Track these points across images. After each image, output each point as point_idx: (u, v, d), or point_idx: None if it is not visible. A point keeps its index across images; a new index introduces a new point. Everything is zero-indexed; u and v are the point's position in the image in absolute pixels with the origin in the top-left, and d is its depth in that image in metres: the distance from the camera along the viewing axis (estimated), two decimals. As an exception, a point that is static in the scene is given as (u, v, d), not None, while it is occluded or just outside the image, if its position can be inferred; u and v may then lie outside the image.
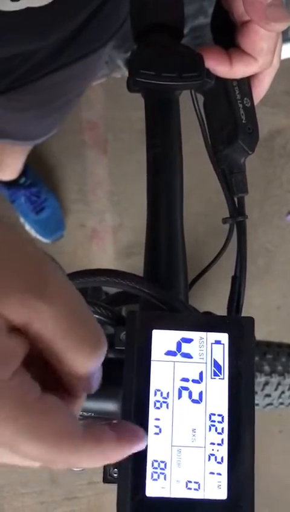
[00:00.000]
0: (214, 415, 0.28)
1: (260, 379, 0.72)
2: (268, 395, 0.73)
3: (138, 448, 0.23)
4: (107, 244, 1.36)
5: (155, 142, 0.35)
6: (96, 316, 0.34)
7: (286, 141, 1.48)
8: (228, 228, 0.39)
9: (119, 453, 0.23)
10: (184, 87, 0.35)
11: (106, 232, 1.37)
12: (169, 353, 0.29)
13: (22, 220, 1.31)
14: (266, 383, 0.72)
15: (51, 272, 0.21)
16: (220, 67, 0.35)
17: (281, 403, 0.76)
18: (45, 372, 0.23)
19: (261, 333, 1.35)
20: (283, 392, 0.74)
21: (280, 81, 1.53)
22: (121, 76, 1.28)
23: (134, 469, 0.28)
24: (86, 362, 0.22)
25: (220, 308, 0.38)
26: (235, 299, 0.38)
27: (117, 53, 1.15)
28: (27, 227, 1.31)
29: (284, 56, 1.31)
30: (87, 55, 0.61)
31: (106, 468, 0.33)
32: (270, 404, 0.75)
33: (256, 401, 0.74)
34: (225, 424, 0.28)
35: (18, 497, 1.26)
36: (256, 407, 0.74)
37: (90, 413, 0.34)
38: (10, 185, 1.24)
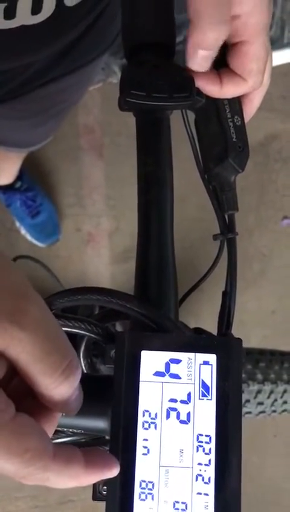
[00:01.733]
0: (202, 435, 0.28)
1: (253, 387, 0.72)
2: (261, 403, 0.73)
3: (107, 476, 0.25)
4: (103, 248, 1.36)
5: (146, 161, 0.36)
6: (87, 333, 0.35)
7: (282, 146, 1.48)
8: (219, 245, 0.39)
9: (87, 478, 0.25)
10: (175, 107, 0.35)
11: (101, 236, 1.37)
12: (157, 374, 0.29)
13: (17, 224, 1.31)
14: (259, 391, 0.73)
15: (31, 300, 0.23)
16: (210, 87, 0.35)
17: (274, 411, 0.76)
18: (22, 390, 0.24)
19: (256, 337, 1.36)
20: (275, 400, 0.75)
21: (276, 86, 1.53)
22: (117, 82, 1.28)
23: (122, 489, 0.28)
24: (59, 386, 0.24)
25: (212, 314, 0.38)
26: (226, 314, 0.39)
27: (113, 59, 1.15)
28: (23, 231, 1.31)
29: (280, 62, 1.32)
30: (81, 66, 0.61)
31: (95, 486, 0.33)
32: (263, 412, 0.75)
33: (249, 409, 0.75)
34: (213, 445, 0.28)
35: (12, 502, 1.26)
36: (249, 416, 0.74)
37: (80, 430, 0.34)
38: (6, 189, 1.24)
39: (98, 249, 1.37)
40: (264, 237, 1.44)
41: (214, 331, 0.39)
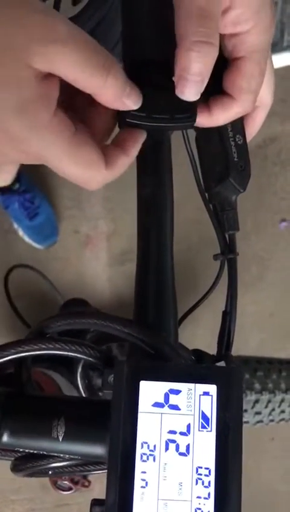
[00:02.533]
0: (201, 468, 0.28)
1: (251, 397, 0.72)
2: (258, 413, 0.73)
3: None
4: (101, 251, 1.36)
5: (145, 182, 0.35)
6: (84, 357, 0.34)
7: (280, 149, 1.47)
8: (219, 265, 0.39)
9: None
10: (176, 128, 0.34)
11: (99, 238, 1.36)
12: (156, 405, 0.29)
13: (15, 225, 1.30)
14: (257, 401, 0.72)
15: (57, 20, 0.27)
16: (199, 117, 0.34)
17: (271, 420, 0.76)
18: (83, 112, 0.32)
19: (254, 340, 1.35)
20: (273, 409, 0.75)
21: (276, 89, 1.52)
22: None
23: (120, 523, 0.27)
24: (106, 82, 0.29)
25: (211, 327, 0.37)
26: (226, 334, 0.38)
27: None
28: (20, 233, 1.30)
29: (279, 65, 1.31)
30: None
31: (93, 509, 0.33)
32: (261, 421, 0.75)
33: (246, 419, 0.74)
34: (212, 478, 0.28)
35: (9, 504, 1.26)
36: (246, 425, 0.74)
37: (77, 457, 0.34)
38: (4, 190, 1.23)
39: (96, 251, 1.36)
40: (263, 240, 1.43)
41: (213, 341, 0.38)
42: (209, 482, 0.28)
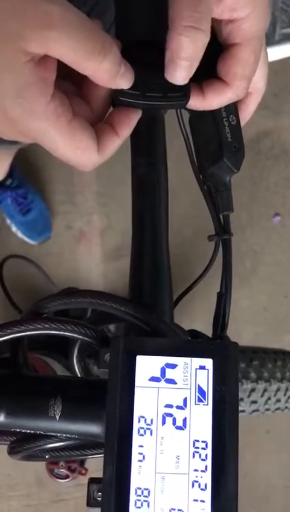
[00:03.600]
0: (198, 441, 0.28)
1: (247, 386, 0.72)
2: (254, 402, 0.73)
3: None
4: (94, 246, 1.36)
5: (140, 161, 0.35)
6: (80, 337, 0.34)
7: (273, 143, 1.48)
8: (214, 245, 0.39)
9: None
10: (169, 107, 0.34)
11: (93, 233, 1.36)
12: (153, 379, 0.29)
13: (8, 221, 1.30)
14: (253, 390, 0.73)
15: (55, 5, 0.27)
16: (192, 100, 0.34)
17: (267, 409, 0.76)
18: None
19: (248, 334, 1.36)
20: (269, 399, 0.75)
21: (268, 83, 1.53)
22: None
23: (117, 496, 0.27)
24: (102, 64, 0.29)
25: (206, 311, 0.37)
26: (221, 316, 0.38)
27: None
28: (13, 228, 1.30)
29: (271, 59, 1.31)
30: None
31: (90, 491, 0.33)
32: (257, 410, 0.75)
33: (242, 408, 0.75)
34: (209, 451, 0.28)
35: (5, 500, 1.25)
36: (242, 414, 0.74)
37: (73, 436, 0.34)
38: (-4, 186, 1.22)
39: (90, 246, 1.36)
40: (256, 234, 1.44)
41: (208, 330, 0.39)
42: (206, 455, 0.28)
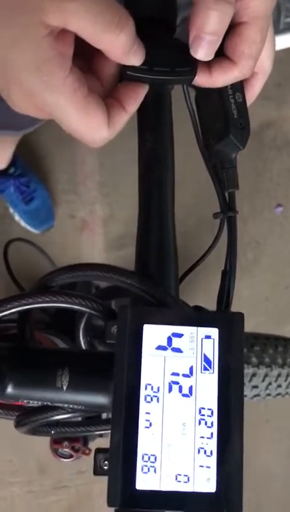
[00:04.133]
0: (204, 409, 0.28)
1: (248, 370, 0.73)
2: (255, 387, 0.74)
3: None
4: (97, 236, 1.36)
5: (147, 137, 0.35)
6: (87, 310, 0.35)
7: (276, 134, 1.48)
8: (219, 223, 0.39)
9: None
10: (176, 82, 0.35)
11: (96, 223, 1.36)
12: (160, 348, 0.29)
13: (11, 210, 1.30)
14: (254, 375, 0.73)
15: None
16: (199, 76, 0.34)
17: (268, 394, 0.77)
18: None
19: (249, 324, 1.36)
20: (270, 384, 0.75)
21: (271, 74, 1.53)
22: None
23: (124, 462, 0.28)
24: (118, 37, 0.29)
25: (210, 304, 0.38)
26: (225, 293, 0.39)
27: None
28: (16, 217, 1.30)
29: (276, 48, 1.30)
30: None
31: (97, 461, 0.33)
32: (258, 395, 0.76)
33: (244, 393, 0.75)
34: (215, 418, 0.28)
35: (7, 487, 1.26)
36: (243, 398, 0.75)
37: (80, 406, 0.34)
38: (-1, 174, 1.23)
39: (92, 236, 1.36)
40: (259, 225, 1.44)
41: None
42: (212, 423, 0.28)
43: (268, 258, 1.43)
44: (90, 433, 0.43)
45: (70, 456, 0.56)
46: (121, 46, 0.29)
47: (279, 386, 0.77)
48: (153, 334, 0.29)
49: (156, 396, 0.29)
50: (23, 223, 1.29)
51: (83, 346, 0.38)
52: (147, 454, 0.28)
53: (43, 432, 0.40)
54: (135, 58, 0.31)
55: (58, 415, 0.36)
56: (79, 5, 0.27)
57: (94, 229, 1.37)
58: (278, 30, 1.24)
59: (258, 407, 1.32)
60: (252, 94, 0.39)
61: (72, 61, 0.29)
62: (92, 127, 0.31)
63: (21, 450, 1.23)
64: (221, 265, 0.39)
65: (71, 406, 0.34)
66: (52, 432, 0.40)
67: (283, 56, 1.31)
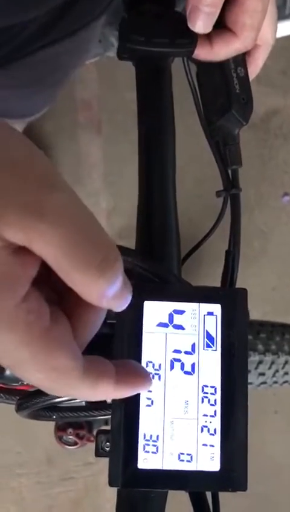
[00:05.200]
0: (207, 386, 0.28)
1: (254, 358, 0.72)
2: (262, 374, 0.73)
3: (138, 391, 0.24)
4: (103, 227, 1.35)
5: (147, 115, 0.35)
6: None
7: (282, 121, 1.46)
8: (222, 202, 0.38)
9: (116, 394, 0.23)
10: (176, 54, 0.34)
11: (100, 215, 1.35)
12: (161, 325, 0.28)
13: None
14: (260, 362, 0.72)
15: (54, 188, 0.21)
16: (199, 49, 0.33)
17: (275, 382, 0.76)
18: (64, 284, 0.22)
19: (256, 314, 1.36)
20: (276, 371, 0.74)
21: (277, 61, 1.50)
22: (114, 55, 1.26)
23: (126, 441, 0.27)
24: (96, 283, 0.21)
25: (213, 282, 0.37)
26: (229, 273, 0.38)
27: (110, 30, 1.13)
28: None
29: (280, 34, 1.29)
30: (79, 29, 0.59)
31: (98, 442, 0.33)
32: (264, 383, 0.75)
33: (250, 380, 0.74)
34: (218, 396, 0.28)
35: (15, 478, 1.27)
36: (250, 386, 0.74)
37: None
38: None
39: (98, 227, 1.35)
40: (265, 214, 1.43)
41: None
42: (215, 400, 0.28)
43: (275, 247, 1.42)
44: (94, 418, 0.42)
45: (75, 443, 0.56)
46: (97, 291, 0.21)
47: (286, 373, 0.76)
48: (153, 310, 0.29)
49: (157, 374, 0.28)
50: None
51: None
52: (149, 433, 0.27)
53: (45, 417, 0.39)
54: (117, 304, 0.23)
55: (58, 397, 0.35)
56: (51, 227, 0.20)
57: (99, 221, 1.36)
58: (283, 15, 1.22)
59: (266, 398, 1.31)
60: (254, 68, 0.38)
61: (34, 286, 0.21)
62: (55, 373, 0.22)
63: (28, 441, 1.23)
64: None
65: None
66: (54, 416, 0.40)
67: (288, 43, 1.30)
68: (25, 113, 0.80)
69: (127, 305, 0.23)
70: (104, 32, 1.14)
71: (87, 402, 0.43)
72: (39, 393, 0.36)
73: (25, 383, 0.35)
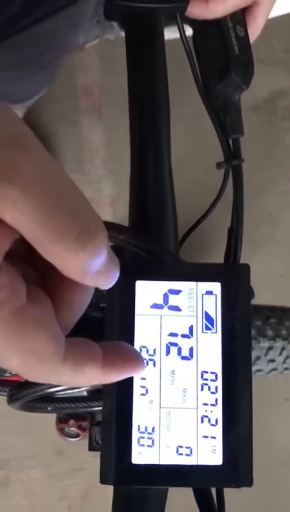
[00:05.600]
0: (207, 372, 0.25)
1: (264, 344, 0.69)
2: (272, 360, 0.70)
3: (130, 375, 0.21)
4: (106, 215, 1.32)
5: (138, 79, 0.32)
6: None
7: (289, 103, 1.42)
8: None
9: (104, 379, 0.21)
10: (167, 10, 0.31)
11: (104, 202, 1.33)
12: (155, 306, 0.26)
13: (17, 191, 1.27)
14: (270, 348, 0.70)
15: (26, 150, 0.19)
16: (194, 7, 0.30)
17: (286, 368, 0.73)
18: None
19: (265, 301, 1.32)
20: (287, 357, 0.72)
21: (280, 39, 1.46)
22: (114, 38, 1.22)
23: (118, 434, 0.25)
24: (76, 256, 0.19)
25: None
26: (232, 252, 0.35)
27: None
28: (23, 199, 1.27)
29: (284, 11, 1.25)
30: (67, 5, 0.56)
31: (92, 435, 0.30)
32: (275, 369, 0.72)
33: (260, 367, 0.72)
34: (219, 383, 0.25)
35: (25, 470, 1.26)
36: (260, 373, 0.72)
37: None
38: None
39: (101, 215, 1.33)
40: (272, 198, 1.39)
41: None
42: (216, 388, 0.25)
43: (283, 232, 1.38)
44: (93, 409, 0.40)
45: (77, 435, 0.54)
46: (78, 266, 0.19)
47: (297, 359, 0.73)
48: (147, 291, 0.26)
49: (152, 359, 0.25)
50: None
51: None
52: (143, 425, 0.25)
53: (39, 408, 0.37)
54: (103, 281, 0.21)
55: (51, 387, 0.33)
56: (22, 193, 0.18)
57: (102, 209, 1.33)
58: (287, -10, 1.18)
59: (277, 386, 1.28)
60: (255, 27, 0.35)
61: (8, 261, 0.19)
62: (31, 357, 0.20)
63: (38, 434, 1.22)
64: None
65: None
66: (49, 407, 0.37)
67: (293, 19, 1.25)
68: (23, 96, 0.78)
69: (114, 282, 0.21)
70: (101, 12, 1.11)
71: (88, 392, 0.41)
72: (31, 383, 0.34)
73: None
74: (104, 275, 0.20)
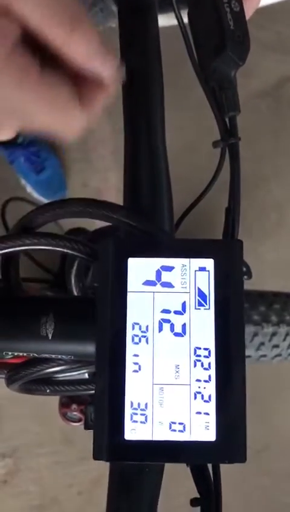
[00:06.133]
0: (200, 349, 0.25)
1: (268, 329, 0.69)
2: (276, 346, 0.70)
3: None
4: (112, 204, 1.32)
5: (131, 54, 0.31)
6: (74, 253, 0.31)
7: (296, 89, 1.40)
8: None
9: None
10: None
11: (109, 191, 1.32)
12: (147, 283, 0.26)
13: (23, 181, 1.27)
14: (274, 334, 0.69)
15: None
16: None
17: (291, 354, 0.73)
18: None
19: (275, 288, 1.31)
20: (292, 343, 0.71)
21: (288, 26, 1.44)
22: (116, 26, 1.21)
23: (111, 410, 0.25)
24: (70, 38, 0.23)
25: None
26: (229, 233, 0.35)
27: (111, -3, 1.08)
28: (28, 189, 1.27)
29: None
30: None
31: (88, 414, 0.30)
32: (279, 355, 0.72)
33: (264, 352, 0.71)
34: (212, 359, 0.25)
35: (34, 458, 1.27)
36: (264, 359, 0.71)
37: (69, 356, 0.31)
38: (8, 144, 1.20)
39: (107, 204, 1.32)
40: (281, 186, 1.38)
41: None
42: (209, 364, 0.25)
43: (292, 220, 1.37)
44: (92, 392, 0.40)
45: (80, 420, 0.54)
46: (75, 47, 0.23)
47: (302, 345, 0.73)
48: (139, 268, 0.26)
49: (144, 336, 0.25)
50: (36, 195, 1.27)
51: (75, 293, 0.35)
52: (136, 401, 0.25)
53: (37, 390, 0.37)
54: (102, 65, 0.24)
55: (48, 368, 0.33)
56: None
57: (108, 198, 1.33)
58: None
59: (284, 372, 1.28)
60: (251, 3, 0.34)
61: (23, 46, 0.23)
62: (58, 111, 0.24)
63: (47, 421, 1.23)
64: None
65: (60, 357, 0.31)
66: (48, 390, 0.37)
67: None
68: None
69: (112, 69, 0.25)
70: (105, 0, 1.10)
71: (89, 375, 0.41)
72: (27, 364, 0.34)
73: (16, 355, 0.33)
74: (101, 59, 0.24)
